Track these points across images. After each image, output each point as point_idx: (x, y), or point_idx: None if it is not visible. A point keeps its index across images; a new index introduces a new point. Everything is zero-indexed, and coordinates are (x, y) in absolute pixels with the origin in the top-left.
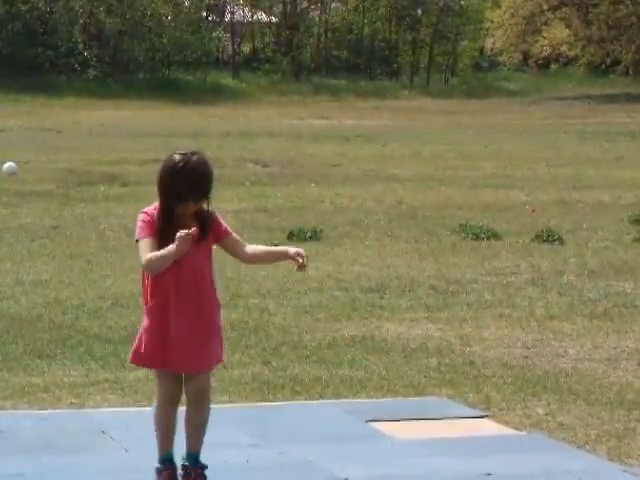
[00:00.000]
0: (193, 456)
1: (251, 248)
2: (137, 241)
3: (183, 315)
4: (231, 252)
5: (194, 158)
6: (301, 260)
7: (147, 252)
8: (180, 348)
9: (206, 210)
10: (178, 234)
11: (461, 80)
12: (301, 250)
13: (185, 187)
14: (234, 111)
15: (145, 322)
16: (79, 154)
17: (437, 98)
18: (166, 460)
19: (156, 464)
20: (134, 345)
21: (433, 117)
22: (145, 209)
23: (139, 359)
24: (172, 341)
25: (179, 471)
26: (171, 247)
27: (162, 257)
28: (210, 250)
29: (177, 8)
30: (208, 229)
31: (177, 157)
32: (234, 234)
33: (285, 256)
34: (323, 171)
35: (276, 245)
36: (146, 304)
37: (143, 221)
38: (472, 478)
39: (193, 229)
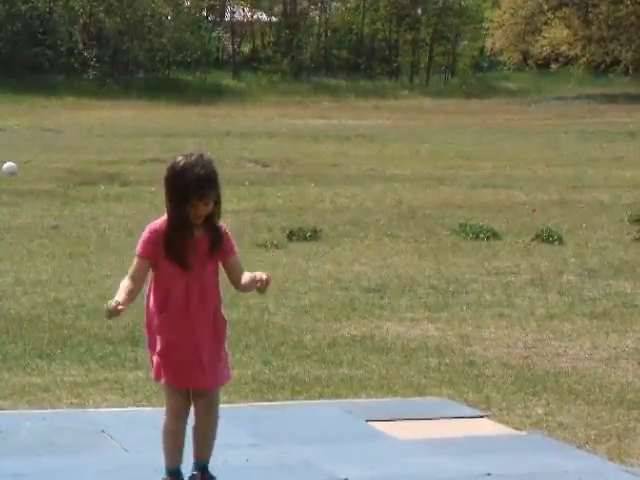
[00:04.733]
0: (202, 464)
1: (244, 278)
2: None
3: (196, 330)
4: (228, 272)
5: (194, 156)
6: (259, 284)
7: (131, 272)
8: (198, 364)
9: (217, 225)
10: (105, 305)
11: (461, 80)
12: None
13: (186, 183)
14: (234, 111)
15: (158, 338)
16: (79, 154)
17: (437, 98)
18: (173, 472)
19: (162, 475)
20: (155, 363)
21: (433, 117)
22: (153, 223)
23: (168, 377)
24: (190, 357)
25: None
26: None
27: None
28: (217, 266)
29: (177, 8)
30: (219, 245)
31: (179, 158)
32: (237, 256)
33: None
34: (323, 171)
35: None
36: (152, 321)
37: (144, 237)
38: (472, 478)
39: (120, 306)
